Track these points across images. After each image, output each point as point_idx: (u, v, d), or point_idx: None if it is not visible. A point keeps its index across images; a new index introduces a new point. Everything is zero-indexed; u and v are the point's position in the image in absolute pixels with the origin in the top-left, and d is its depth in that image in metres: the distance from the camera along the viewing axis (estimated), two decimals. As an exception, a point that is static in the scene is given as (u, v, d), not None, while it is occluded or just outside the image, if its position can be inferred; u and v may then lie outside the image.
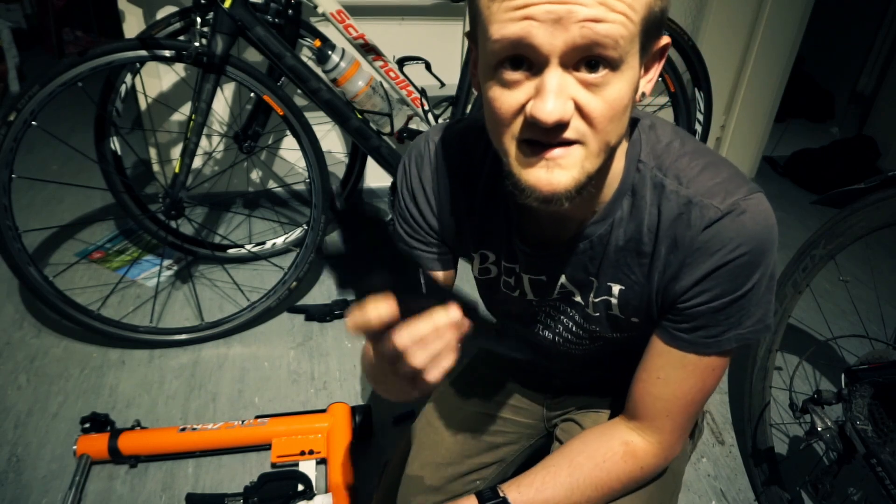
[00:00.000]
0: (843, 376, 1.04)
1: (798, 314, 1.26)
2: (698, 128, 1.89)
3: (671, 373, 0.67)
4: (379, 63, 1.62)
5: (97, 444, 1.23)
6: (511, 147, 0.54)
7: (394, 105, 1.62)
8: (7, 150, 1.26)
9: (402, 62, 1.64)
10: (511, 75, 0.51)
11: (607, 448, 0.71)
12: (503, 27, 0.49)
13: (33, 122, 1.27)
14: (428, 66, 1.63)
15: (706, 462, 1.34)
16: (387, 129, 1.63)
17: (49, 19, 3.23)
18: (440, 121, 1.69)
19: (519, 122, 0.52)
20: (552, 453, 0.75)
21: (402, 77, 1.64)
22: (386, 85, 1.63)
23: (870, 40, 2.97)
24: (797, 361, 1.55)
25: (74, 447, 1.23)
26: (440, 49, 2.00)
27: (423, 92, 1.66)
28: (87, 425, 1.27)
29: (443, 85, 1.67)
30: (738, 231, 0.59)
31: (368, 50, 1.60)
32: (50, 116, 1.32)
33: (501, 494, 0.70)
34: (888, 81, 2.85)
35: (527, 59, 0.50)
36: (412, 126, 1.68)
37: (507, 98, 0.52)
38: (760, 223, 0.59)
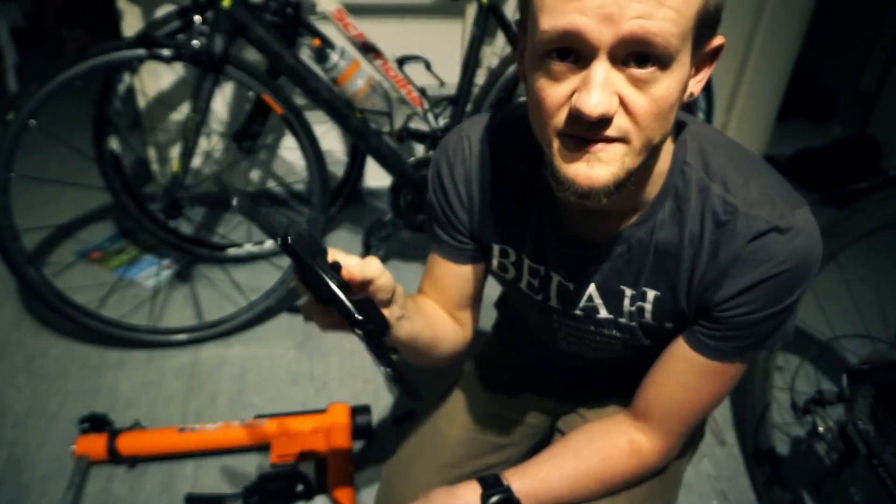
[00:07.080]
0: (844, 376, 1.03)
1: (799, 314, 1.24)
2: (699, 127, 1.88)
3: (692, 378, 0.66)
4: (379, 62, 1.61)
5: (96, 444, 1.23)
6: (553, 139, 0.53)
7: (393, 104, 1.62)
8: (6, 150, 1.25)
9: (401, 61, 1.63)
10: (558, 66, 0.50)
11: (613, 444, 0.71)
12: (553, 18, 0.48)
13: (32, 122, 1.26)
14: (428, 66, 1.63)
15: (707, 462, 1.34)
16: (386, 129, 1.63)
17: (48, 18, 3.22)
18: (440, 120, 1.68)
19: (563, 114, 0.52)
20: (555, 443, 0.75)
21: (401, 76, 1.63)
22: (386, 84, 1.63)
23: (872, 39, 2.96)
24: (798, 361, 1.54)
25: (73, 447, 1.23)
26: (440, 48, 1.99)
27: (422, 91, 1.66)
28: (85, 425, 1.26)
29: (443, 84, 1.67)
30: (784, 246, 0.58)
31: (368, 49, 1.59)
32: (49, 116, 1.31)
33: (505, 482, 0.70)
34: (890, 80, 2.84)
35: (574, 51, 0.49)
36: (412, 125, 1.67)
37: (552, 90, 0.51)
38: (807, 240, 0.58)
